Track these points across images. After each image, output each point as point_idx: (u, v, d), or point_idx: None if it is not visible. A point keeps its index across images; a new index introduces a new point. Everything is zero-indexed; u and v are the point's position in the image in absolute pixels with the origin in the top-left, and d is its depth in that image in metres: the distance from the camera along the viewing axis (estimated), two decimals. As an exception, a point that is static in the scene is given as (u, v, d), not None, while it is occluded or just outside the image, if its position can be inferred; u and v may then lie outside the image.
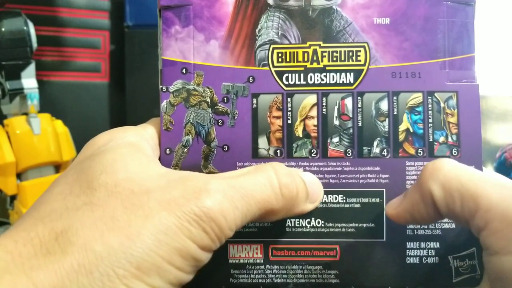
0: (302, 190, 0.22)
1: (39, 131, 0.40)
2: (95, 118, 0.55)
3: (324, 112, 0.25)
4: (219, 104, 0.25)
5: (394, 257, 0.24)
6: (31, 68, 0.40)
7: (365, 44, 0.25)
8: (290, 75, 0.25)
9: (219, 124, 0.25)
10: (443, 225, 0.24)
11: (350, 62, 0.25)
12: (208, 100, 0.25)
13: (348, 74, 0.25)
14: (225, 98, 0.25)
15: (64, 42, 0.51)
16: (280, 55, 0.25)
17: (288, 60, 0.25)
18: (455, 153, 0.24)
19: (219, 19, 0.25)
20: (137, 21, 0.54)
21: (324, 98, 0.25)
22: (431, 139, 0.25)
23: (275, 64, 0.25)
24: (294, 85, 0.25)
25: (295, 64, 0.25)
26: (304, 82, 0.25)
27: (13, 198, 0.40)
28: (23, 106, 0.40)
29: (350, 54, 0.25)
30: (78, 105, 0.53)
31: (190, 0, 0.25)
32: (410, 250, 0.24)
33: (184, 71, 0.25)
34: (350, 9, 0.25)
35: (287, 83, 0.25)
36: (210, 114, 0.25)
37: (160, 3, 0.25)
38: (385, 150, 0.24)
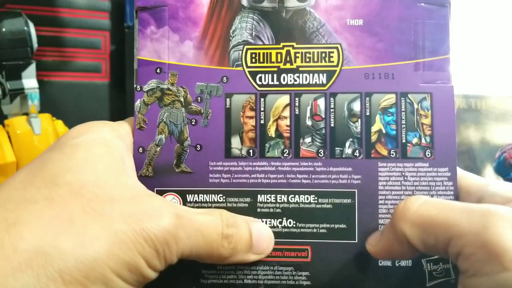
0: (245, 242, 0.22)
1: (40, 131, 0.40)
2: (96, 118, 0.54)
3: (297, 113, 0.25)
4: (192, 104, 0.25)
5: (367, 260, 0.24)
6: (32, 68, 0.40)
7: (338, 45, 0.25)
8: (263, 75, 0.25)
9: (193, 123, 0.25)
10: None
11: (323, 63, 0.25)
12: (182, 99, 0.25)
13: (321, 75, 0.25)
14: (199, 98, 0.25)
15: (64, 43, 0.52)
16: (253, 55, 0.25)
17: (261, 60, 0.25)
18: (428, 154, 0.24)
19: (193, 20, 0.25)
20: (137, 22, 0.54)
21: (297, 99, 0.25)
22: (404, 141, 0.25)
23: (249, 64, 0.25)
24: (267, 85, 0.25)
25: (269, 64, 0.25)
26: (277, 83, 0.25)
27: (13, 198, 0.40)
28: (23, 106, 0.40)
29: (323, 55, 0.25)
30: (79, 105, 0.53)
31: (166, 1, 0.25)
32: None
33: (158, 70, 0.26)
34: (323, 11, 0.25)
35: (260, 83, 0.25)
36: (184, 114, 0.25)
37: (136, 4, 0.26)
38: (357, 150, 0.24)
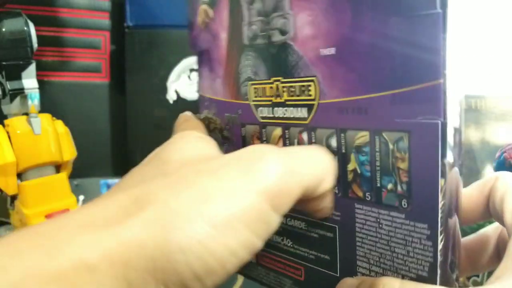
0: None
1: (40, 131, 0.40)
2: (96, 118, 0.55)
3: (288, 144, 0.25)
4: (224, 131, 0.28)
5: None
6: (32, 68, 0.40)
7: (314, 78, 0.23)
8: (262, 108, 0.26)
9: (224, 146, 0.28)
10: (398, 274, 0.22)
11: (303, 97, 0.24)
12: (219, 127, 0.29)
13: (303, 108, 0.24)
14: (227, 126, 0.28)
15: (64, 43, 0.52)
16: (255, 90, 0.26)
17: (260, 95, 0.26)
18: (404, 204, 0.20)
19: (219, 61, 0.28)
20: (137, 22, 0.54)
21: (287, 131, 0.25)
22: (378, 185, 0.21)
23: (253, 98, 0.26)
24: (266, 117, 0.26)
25: (265, 98, 0.26)
26: (272, 115, 0.25)
27: (13, 198, 0.40)
28: (23, 106, 0.40)
29: (303, 89, 0.24)
30: (79, 105, 0.53)
31: (208, 46, 0.29)
32: None
33: (207, 103, 0.30)
34: (300, 43, 0.23)
35: (261, 115, 0.26)
36: (220, 139, 0.28)
37: (197, 47, 0.30)
38: (336, 188, 0.23)
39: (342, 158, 0.22)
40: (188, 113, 0.30)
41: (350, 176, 0.22)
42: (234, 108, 0.27)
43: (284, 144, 0.25)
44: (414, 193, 0.20)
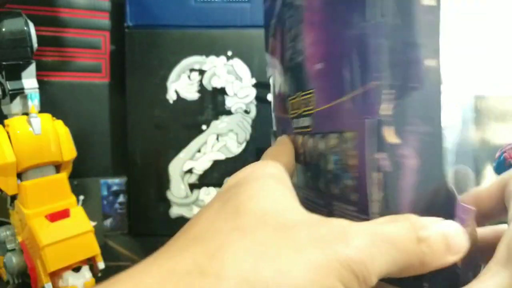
0: (441, 242, 0.20)
1: (40, 131, 0.40)
2: (96, 118, 0.55)
3: (306, 152, 0.28)
4: None
5: None
6: (32, 68, 0.40)
7: (313, 91, 0.26)
8: (293, 120, 0.30)
9: None
10: None
11: (308, 108, 0.27)
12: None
13: (308, 118, 0.27)
14: None
15: (64, 43, 0.52)
16: (291, 105, 0.30)
17: (292, 108, 0.30)
18: (356, 199, 0.22)
19: (277, 82, 0.33)
20: (137, 22, 0.54)
21: (303, 139, 0.28)
22: (343, 181, 0.23)
23: (290, 112, 0.30)
24: (297, 128, 0.29)
25: (295, 111, 0.29)
26: (298, 126, 0.29)
27: (13, 198, 0.40)
28: (23, 106, 0.40)
29: (308, 100, 0.27)
30: (79, 105, 0.53)
31: (274, 70, 0.35)
32: None
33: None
34: (307, 60, 0.27)
35: (294, 126, 0.30)
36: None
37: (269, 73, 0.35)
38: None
39: (323, 159, 0.25)
40: (285, 137, 0.30)
41: (329, 176, 0.24)
42: (288, 121, 0.31)
43: (304, 152, 0.28)
44: (360, 187, 0.21)
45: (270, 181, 0.21)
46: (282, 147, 0.29)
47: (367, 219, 0.21)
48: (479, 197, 0.25)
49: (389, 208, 0.20)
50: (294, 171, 0.29)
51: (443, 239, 0.20)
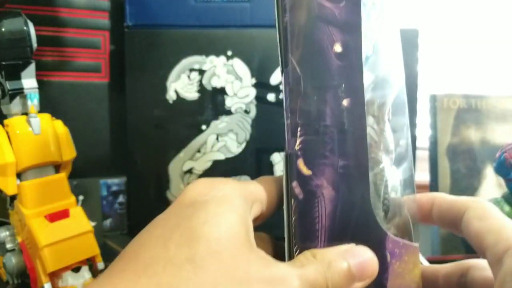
0: (343, 275, 0.22)
1: (39, 131, 0.40)
2: (95, 118, 0.55)
3: None
4: None
5: None
6: (31, 68, 0.40)
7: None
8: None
9: None
10: None
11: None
12: None
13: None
14: None
15: (64, 42, 0.52)
16: None
17: None
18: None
19: None
20: (137, 21, 0.54)
21: None
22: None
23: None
24: None
25: None
26: None
27: (13, 198, 0.40)
28: (23, 106, 0.40)
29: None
30: (78, 105, 0.53)
31: None
32: None
33: None
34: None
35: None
36: None
37: None
38: None
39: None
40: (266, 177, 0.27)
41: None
42: None
43: None
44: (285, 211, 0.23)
45: (227, 207, 0.21)
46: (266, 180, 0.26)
47: (296, 242, 0.23)
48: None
49: (307, 233, 0.22)
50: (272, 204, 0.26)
51: (344, 273, 0.21)
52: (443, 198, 0.25)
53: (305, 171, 0.22)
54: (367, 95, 0.23)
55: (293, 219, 0.23)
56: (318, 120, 0.22)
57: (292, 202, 0.22)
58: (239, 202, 0.22)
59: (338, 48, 0.22)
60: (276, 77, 0.53)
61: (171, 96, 0.54)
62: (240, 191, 0.23)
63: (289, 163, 0.23)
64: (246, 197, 0.23)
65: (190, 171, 0.55)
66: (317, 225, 0.22)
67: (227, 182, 0.23)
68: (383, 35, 0.24)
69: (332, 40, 0.22)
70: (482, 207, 0.23)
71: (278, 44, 0.23)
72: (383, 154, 0.24)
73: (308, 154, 0.22)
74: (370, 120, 0.23)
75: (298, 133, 0.23)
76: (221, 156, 0.55)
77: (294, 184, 0.22)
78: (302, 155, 0.22)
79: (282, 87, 0.23)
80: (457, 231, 0.25)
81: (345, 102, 0.22)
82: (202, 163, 0.55)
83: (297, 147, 0.22)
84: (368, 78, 0.23)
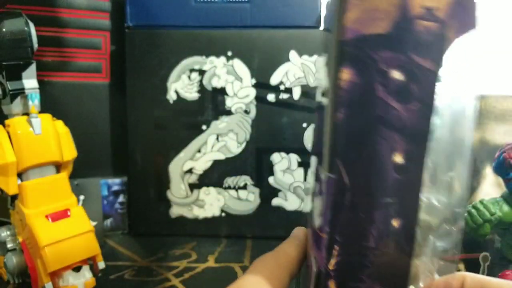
0: None
1: (40, 131, 0.40)
2: (96, 118, 0.55)
3: None
4: None
5: None
6: (32, 69, 0.40)
7: None
8: None
9: None
10: None
11: None
12: None
13: None
14: None
15: (65, 43, 0.52)
16: None
17: None
18: None
19: None
20: (137, 22, 0.54)
21: None
22: None
23: None
24: None
25: None
26: None
27: (14, 198, 0.40)
28: (24, 106, 0.40)
29: None
30: (79, 106, 0.54)
31: None
32: None
33: None
34: None
35: None
36: None
37: None
38: None
39: None
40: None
41: None
42: None
43: None
44: None
45: None
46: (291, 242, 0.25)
47: None
48: None
49: None
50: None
51: None
52: (472, 279, 0.23)
53: None
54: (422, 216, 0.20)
55: None
56: (361, 241, 0.19)
57: None
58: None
59: (399, 159, 0.19)
60: (276, 77, 0.53)
61: (171, 96, 0.54)
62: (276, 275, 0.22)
63: (319, 281, 0.20)
64: (282, 267, 0.23)
65: (190, 171, 0.55)
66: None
67: (262, 277, 0.22)
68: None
69: (393, 148, 0.18)
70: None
71: (324, 141, 0.19)
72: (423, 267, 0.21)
73: (343, 276, 0.20)
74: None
75: (335, 252, 0.20)
76: (221, 156, 0.55)
77: None
78: (335, 276, 0.20)
79: (319, 195, 0.20)
80: None
81: (395, 223, 0.19)
82: (202, 163, 0.55)
83: (331, 267, 0.20)
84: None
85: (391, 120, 0.18)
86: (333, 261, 0.20)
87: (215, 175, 0.55)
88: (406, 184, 0.19)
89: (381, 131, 0.18)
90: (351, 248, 0.19)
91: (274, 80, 0.53)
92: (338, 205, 0.19)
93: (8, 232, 0.41)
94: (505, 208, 0.45)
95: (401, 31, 0.18)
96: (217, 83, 0.54)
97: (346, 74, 0.18)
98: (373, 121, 0.18)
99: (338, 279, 0.20)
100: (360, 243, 0.19)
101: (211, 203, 0.56)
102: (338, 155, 0.18)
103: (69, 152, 0.42)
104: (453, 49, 0.18)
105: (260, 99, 0.54)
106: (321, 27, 0.53)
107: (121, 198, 0.57)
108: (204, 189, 0.55)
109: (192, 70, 0.54)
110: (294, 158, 0.54)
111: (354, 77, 0.18)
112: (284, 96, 0.53)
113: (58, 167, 0.42)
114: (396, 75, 0.18)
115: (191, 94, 0.54)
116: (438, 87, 0.18)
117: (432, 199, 0.20)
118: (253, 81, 0.54)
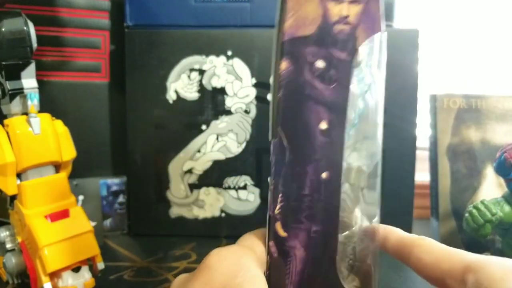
0: None
1: (39, 131, 0.40)
2: (95, 118, 0.55)
3: None
4: None
5: None
6: (31, 68, 0.40)
7: None
8: None
9: None
10: None
11: None
12: None
13: None
14: None
15: (64, 42, 0.52)
16: None
17: None
18: None
19: None
20: (137, 21, 0.54)
21: None
22: None
23: None
24: None
25: None
26: None
27: (13, 198, 0.40)
28: (23, 106, 0.40)
29: None
30: (78, 105, 0.53)
31: None
32: None
33: None
34: None
35: None
36: None
37: None
38: None
39: None
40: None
41: None
42: None
43: None
44: None
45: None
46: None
47: None
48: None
49: (278, 286, 0.25)
50: None
51: None
52: (392, 233, 0.26)
53: (281, 233, 0.25)
54: (346, 163, 0.25)
55: (267, 273, 0.25)
56: (298, 189, 0.25)
57: (268, 258, 0.25)
58: (262, 278, 0.23)
59: (323, 125, 0.24)
60: (276, 77, 0.53)
61: (171, 96, 0.54)
62: (257, 262, 0.24)
63: (269, 224, 0.25)
64: (260, 266, 0.24)
65: (190, 171, 0.55)
66: (287, 280, 0.25)
67: (248, 255, 0.24)
68: (370, 102, 0.25)
69: (319, 118, 0.24)
70: (428, 243, 0.25)
71: (270, 115, 0.26)
72: (355, 217, 0.26)
73: (286, 218, 0.25)
74: (346, 186, 0.25)
75: (279, 199, 0.25)
76: (221, 156, 0.55)
77: (271, 243, 0.25)
78: (280, 218, 0.25)
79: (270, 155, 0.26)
80: (408, 265, 0.25)
81: (324, 175, 0.24)
82: (202, 163, 0.55)
83: (276, 211, 0.25)
84: (349, 147, 0.25)
85: (317, 97, 0.24)
86: (278, 207, 0.25)
87: (215, 175, 0.55)
88: (330, 144, 0.24)
89: (310, 105, 0.24)
90: (290, 195, 0.25)
91: (274, 80, 0.53)
92: (280, 162, 0.25)
93: (7, 232, 0.41)
94: (506, 208, 0.45)
95: (324, 32, 0.24)
96: (217, 82, 0.54)
97: (284, 65, 0.24)
98: (304, 98, 0.24)
99: (282, 221, 0.24)
100: (298, 191, 0.24)
101: (211, 203, 0.56)
102: (278, 124, 0.25)
103: (69, 152, 0.42)
104: (369, 46, 0.24)
105: (260, 99, 0.54)
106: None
107: (120, 198, 0.57)
108: (204, 189, 0.55)
109: (192, 70, 0.54)
110: (294, 158, 0.54)
111: (290, 66, 0.24)
112: (284, 96, 0.53)
113: (57, 167, 0.42)
114: (320, 64, 0.24)
115: (191, 94, 0.54)
116: (354, 73, 0.24)
117: (357, 162, 0.25)
118: (253, 80, 0.54)
